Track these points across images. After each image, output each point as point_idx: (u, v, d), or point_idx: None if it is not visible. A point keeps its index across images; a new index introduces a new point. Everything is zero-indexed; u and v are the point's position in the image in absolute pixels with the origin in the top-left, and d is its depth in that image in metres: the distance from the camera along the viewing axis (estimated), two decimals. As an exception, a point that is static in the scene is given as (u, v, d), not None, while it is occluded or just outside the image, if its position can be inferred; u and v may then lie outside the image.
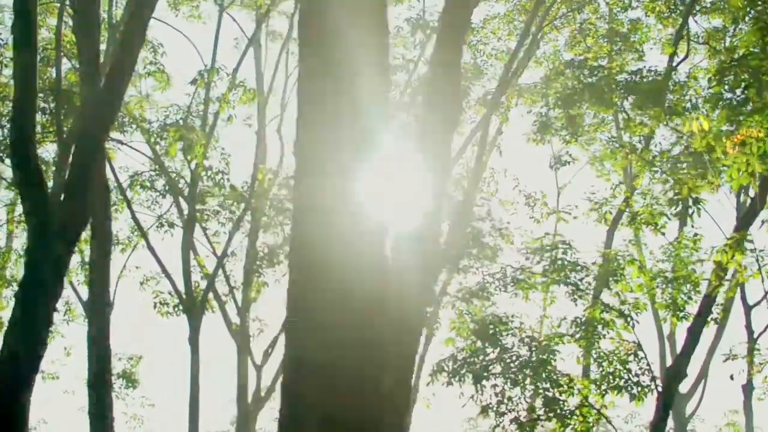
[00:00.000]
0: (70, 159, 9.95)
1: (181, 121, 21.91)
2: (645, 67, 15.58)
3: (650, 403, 15.55)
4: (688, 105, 17.10)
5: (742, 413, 22.26)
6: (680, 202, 14.55)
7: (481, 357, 15.27)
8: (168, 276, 20.80)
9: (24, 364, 9.74)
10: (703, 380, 21.66)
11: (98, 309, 14.68)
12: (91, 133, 9.82)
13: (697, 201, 14.42)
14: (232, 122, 18.22)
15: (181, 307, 21.97)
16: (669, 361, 22.50)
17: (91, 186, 9.97)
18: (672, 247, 17.45)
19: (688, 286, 15.02)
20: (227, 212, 23.05)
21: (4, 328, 27.15)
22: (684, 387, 21.73)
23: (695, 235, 17.51)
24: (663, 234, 18.33)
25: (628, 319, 14.95)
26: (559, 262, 15.07)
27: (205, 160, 18.10)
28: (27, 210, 10.28)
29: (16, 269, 25.36)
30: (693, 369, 20.21)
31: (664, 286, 16.06)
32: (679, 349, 23.70)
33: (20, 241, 26.15)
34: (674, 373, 13.74)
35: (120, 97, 10.04)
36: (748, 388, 21.02)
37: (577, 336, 15.16)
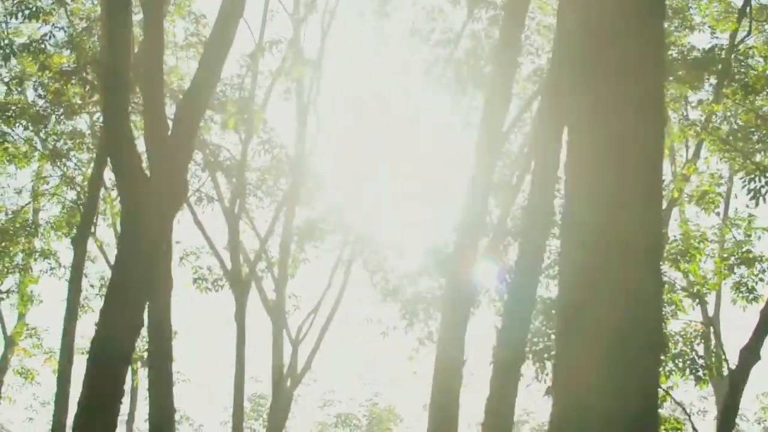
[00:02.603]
0: (171, 131, 9.67)
1: (221, 95, 21.57)
2: (717, 45, 15.34)
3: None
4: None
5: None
6: (752, 181, 14.36)
7: (544, 337, 15.14)
8: (215, 251, 20.58)
9: (122, 340, 9.55)
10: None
11: (162, 284, 14.46)
12: (193, 107, 9.58)
13: (771, 180, 14.25)
14: (289, 95, 17.94)
15: (220, 283, 21.81)
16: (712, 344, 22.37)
17: (190, 159, 9.75)
18: (726, 225, 17.34)
19: (758, 266, 14.89)
20: (265, 186, 22.76)
21: (35, 303, 26.78)
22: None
23: (750, 215, 17.40)
24: (718, 214, 18.24)
25: (696, 299, 14.84)
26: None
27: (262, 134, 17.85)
28: (121, 183, 10.02)
29: (47, 243, 25.01)
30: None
31: (725, 269, 15.94)
32: (723, 331, 23.75)
33: (47, 215, 25.72)
34: (750, 354, 13.54)
35: (220, 69, 9.83)
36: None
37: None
